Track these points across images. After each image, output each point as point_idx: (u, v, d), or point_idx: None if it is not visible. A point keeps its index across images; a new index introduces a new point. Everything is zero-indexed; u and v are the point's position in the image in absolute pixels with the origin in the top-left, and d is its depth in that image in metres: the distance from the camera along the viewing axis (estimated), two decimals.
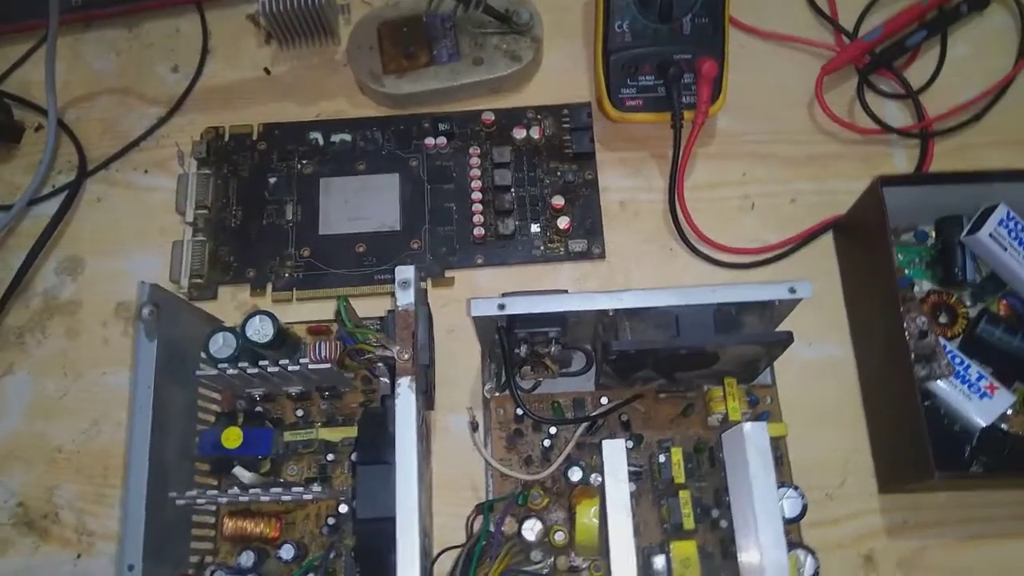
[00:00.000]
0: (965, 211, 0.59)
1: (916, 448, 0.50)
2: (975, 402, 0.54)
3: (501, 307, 0.49)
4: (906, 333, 0.52)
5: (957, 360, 0.56)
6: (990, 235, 0.56)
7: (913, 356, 0.54)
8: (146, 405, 0.49)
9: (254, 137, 0.67)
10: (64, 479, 0.59)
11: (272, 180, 0.66)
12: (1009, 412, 0.54)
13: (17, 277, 0.63)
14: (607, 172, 0.65)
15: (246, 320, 0.54)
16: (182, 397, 0.54)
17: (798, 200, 0.64)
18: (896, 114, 0.66)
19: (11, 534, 0.58)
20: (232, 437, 0.54)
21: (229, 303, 0.63)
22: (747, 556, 0.49)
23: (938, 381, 0.55)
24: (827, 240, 0.63)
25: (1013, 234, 0.56)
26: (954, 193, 0.57)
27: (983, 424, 0.54)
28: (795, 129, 0.66)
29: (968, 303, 0.59)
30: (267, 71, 0.70)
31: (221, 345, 0.54)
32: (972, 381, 0.55)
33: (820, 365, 0.59)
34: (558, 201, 0.63)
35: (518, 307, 0.49)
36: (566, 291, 0.51)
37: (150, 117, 0.69)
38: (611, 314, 0.49)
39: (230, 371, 0.52)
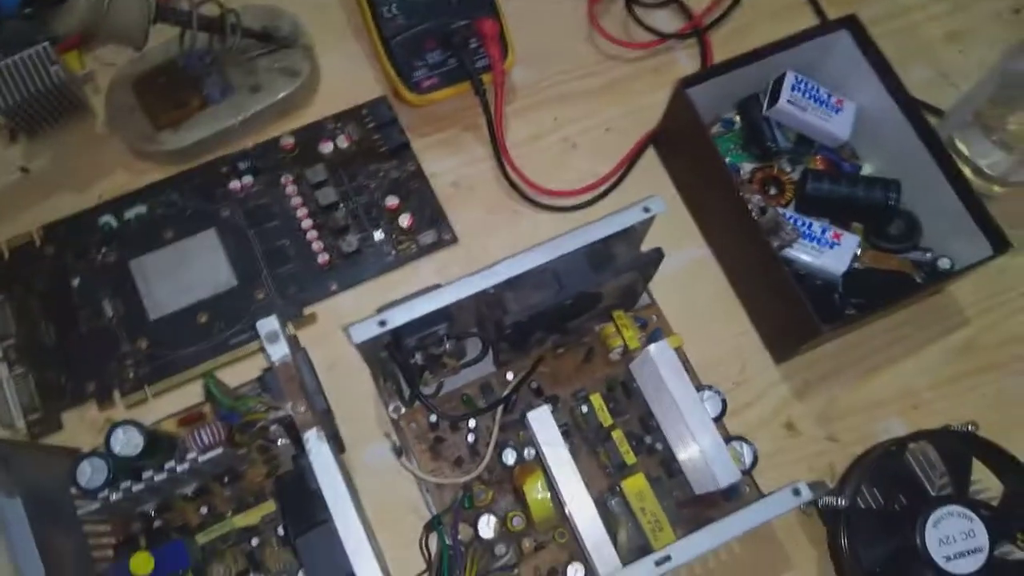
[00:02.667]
0: (758, 89, 0.63)
1: (797, 312, 0.53)
2: (828, 253, 0.58)
3: (383, 323, 0.47)
4: (751, 214, 0.55)
5: (798, 223, 0.59)
6: (788, 101, 0.60)
7: (763, 233, 0.58)
8: (37, 569, 0.42)
9: (38, 244, 0.60)
10: None
11: (75, 282, 0.59)
12: (858, 252, 0.59)
13: None
14: (428, 158, 0.63)
15: (107, 438, 0.49)
16: (69, 544, 0.48)
17: (612, 127, 0.66)
18: (668, 21, 0.70)
19: None
20: (142, 563, 0.48)
21: (79, 426, 0.56)
22: (692, 466, 0.50)
23: (789, 248, 0.59)
24: (651, 156, 0.65)
25: (807, 94, 0.60)
26: (744, 75, 0.61)
27: (841, 270, 0.58)
28: (585, 62, 0.68)
29: (789, 169, 0.63)
30: (24, 170, 0.62)
31: (91, 474, 0.48)
32: (818, 236, 0.59)
33: (686, 271, 0.62)
34: (392, 201, 0.61)
35: (400, 317, 0.47)
36: (438, 285, 0.49)
37: None
38: (492, 291, 0.48)
39: (114, 496, 0.46)
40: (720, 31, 0.69)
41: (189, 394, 0.57)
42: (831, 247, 0.58)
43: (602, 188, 0.64)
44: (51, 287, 0.59)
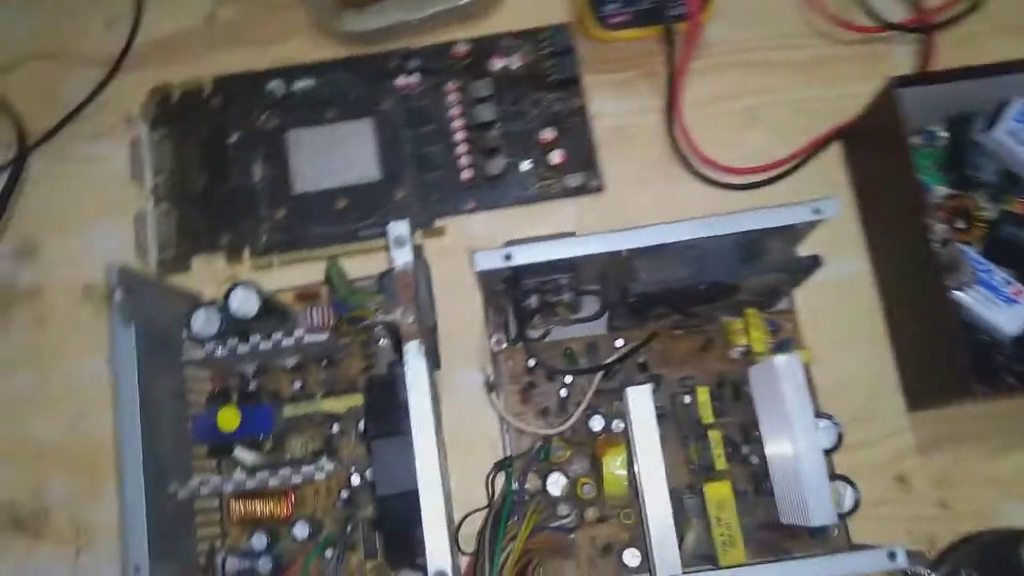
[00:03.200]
0: (977, 108, 0.56)
1: (950, 362, 0.48)
2: (1003, 309, 0.52)
3: (507, 258, 0.45)
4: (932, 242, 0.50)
5: (980, 266, 0.53)
6: (1007, 132, 0.53)
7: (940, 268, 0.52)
8: (132, 398, 0.45)
9: (207, 93, 0.61)
10: (53, 476, 0.55)
11: (233, 138, 0.60)
12: None
13: None
14: (597, 97, 0.60)
15: (227, 294, 0.50)
16: (168, 382, 0.50)
17: (802, 109, 0.60)
18: (892, 9, 0.62)
19: (2, 538, 0.55)
20: (229, 418, 0.50)
21: (205, 274, 0.58)
22: (786, 493, 0.47)
23: (960, 292, 0.53)
24: (834, 149, 0.60)
25: None
26: (966, 89, 0.54)
27: (1012, 332, 0.52)
28: (790, 33, 0.62)
29: (985, 205, 0.56)
30: (212, 16, 0.64)
31: (204, 323, 0.50)
32: (997, 287, 0.53)
33: (837, 283, 0.57)
34: (548, 134, 0.59)
35: (526, 256, 0.45)
36: (573, 233, 0.47)
37: (89, 80, 0.62)
38: (625, 255, 0.45)
39: (219, 352, 0.48)
40: (949, 33, 0.61)
41: (312, 271, 0.57)
42: (1009, 303, 0.52)
43: (773, 172, 0.59)
44: (210, 137, 0.60)
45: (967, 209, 0.56)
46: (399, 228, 0.46)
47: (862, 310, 0.56)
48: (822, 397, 0.53)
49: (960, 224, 0.56)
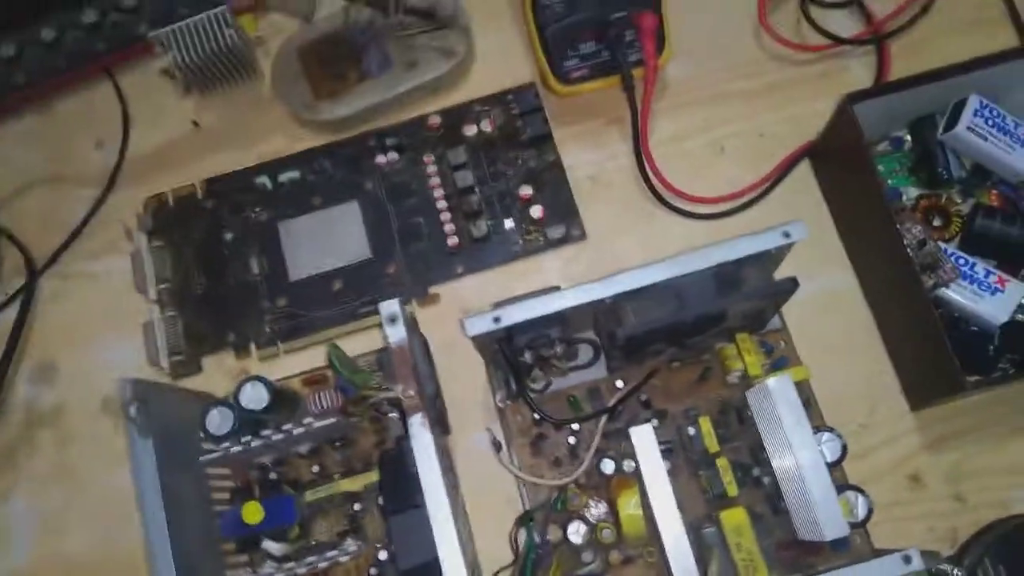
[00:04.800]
0: (936, 109, 0.57)
1: (940, 360, 0.49)
2: (988, 300, 0.53)
3: (496, 320, 0.47)
4: (906, 246, 0.51)
5: (960, 261, 0.54)
6: (968, 128, 0.55)
7: (918, 268, 0.53)
8: (156, 506, 0.46)
9: (199, 196, 0.64)
10: None
11: (228, 236, 0.63)
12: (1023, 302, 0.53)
13: None
14: (568, 150, 0.63)
15: (238, 389, 0.52)
16: (191, 483, 0.52)
17: (766, 133, 0.62)
18: (844, 23, 0.64)
19: None
20: (253, 512, 0.51)
21: (216, 373, 0.60)
22: (799, 511, 0.48)
23: (946, 288, 0.54)
24: (804, 168, 0.61)
25: (990, 122, 0.54)
26: (922, 94, 0.55)
27: (1001, 320, 0.53)
28: (747, 61, 0.64)
29: (959, 201, 0.57)
30: (195, 124, 0.67)
31: (219, 422, 0.52)
32: (980, 279, 0.54)
33: (825, 297, 0.58)
34: (526, 191, 0.61)
35: (514, 316, 0.47)
36: (558, 288, 0.49)
37: (87, 200, 0.65)
38: (609, 301, 0.47)
39: (234, 449, 0.50)
40: (901, 40, 0.63)
41: (318, 355, 0.59)
42: (993, 293, 0.53)
43: (746, 198, 0.61)
44: (206, 238, 0.63)
45: (942, 207, 0.57)
46: (390, 307, 0.48)
47: (853, 320, 0.57)
48: (826, 410, 0.54)
49: (937, 222, 0.57)
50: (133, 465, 0.47)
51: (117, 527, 0.58)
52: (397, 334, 0.47)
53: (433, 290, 0.60)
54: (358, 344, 0.59)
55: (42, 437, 0.60)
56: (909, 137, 0.59)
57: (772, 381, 0.47)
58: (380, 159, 0.63)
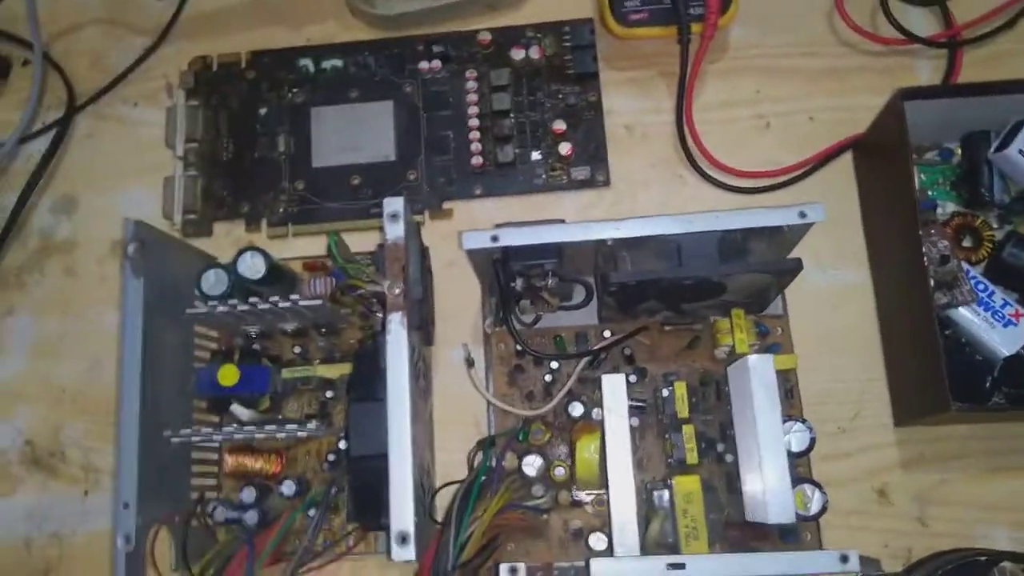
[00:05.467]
0: (994, 126, 0.55)
1: (933, 379, 0.47)
2: (999, 330, 0.51)
3: (494, 239, 0.47)
4: (926, 258, 0.49)
5: (980, 286, 0.52)
6: (1020, 151, 0.52)
7: (934, 283, 0.51)
8: (134, 344, 0.48)
9: (243, 66, 0.64)
10: (70, 417, 0.59)
11: (262, 111, 0.63)
12: None
13: (12, 217, 0.62)
14: (612, 93, 0.61)
15: (237, 256, 0.53)
16: (177, 335, 0.53)
17: (816, 118, 0.60)
18: (922, 22, 0.62)
19: (20, 472, 0.59)
20: (228, 375, 0.53)
21: (224, 239, 0.62)
22: (752, 490, 0.47)
23: (960, 308, 0.52)
24: (846, 161, 0.59)
25: None
26: (982, 106, 0.53)
27: (1006, 353, 0.51)
28: (813, 40, 0.62)
29: (995, 225, 0.55)
30: None
31: (213, 282, 0.53)
32: (996, 308, 0.52)
33: (836, 292, 0.57)
34: (559, 126, 0.60)
35: (512, 239, 0.47)
36: (563, 221, 0.48)
37: (137, 47, 0.66)
38: (609, 243, 0.46)
39: (220, 308, 0.51)
40: (978, 50, 0.60)
41: (322, 244, 0.60)
42: (1005, 324, 0.51)
43: (780, 179, 0.59)
44: (242, 108, 0.63)
45: (975, 228, 0.55)
46: (394, 204, 0.48)
47: (858, 321, 0.56)
48: (809, 404, 0.53)
49: (967, 243, 0.55)
50: (121, 300, 0.48)
51: (103, 363, 0.60)
52: (395, 231, 0.48)
53: (448, 205, 0.60)
54: (364, 241, 0.59)
55: (52, 264, 0.62)
56: (960, 151, 0.57)
57: (753, 358, 0.46)
58: (423, 65, 0.63)
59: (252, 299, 0.51)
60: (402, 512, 0.43)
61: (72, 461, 0.59)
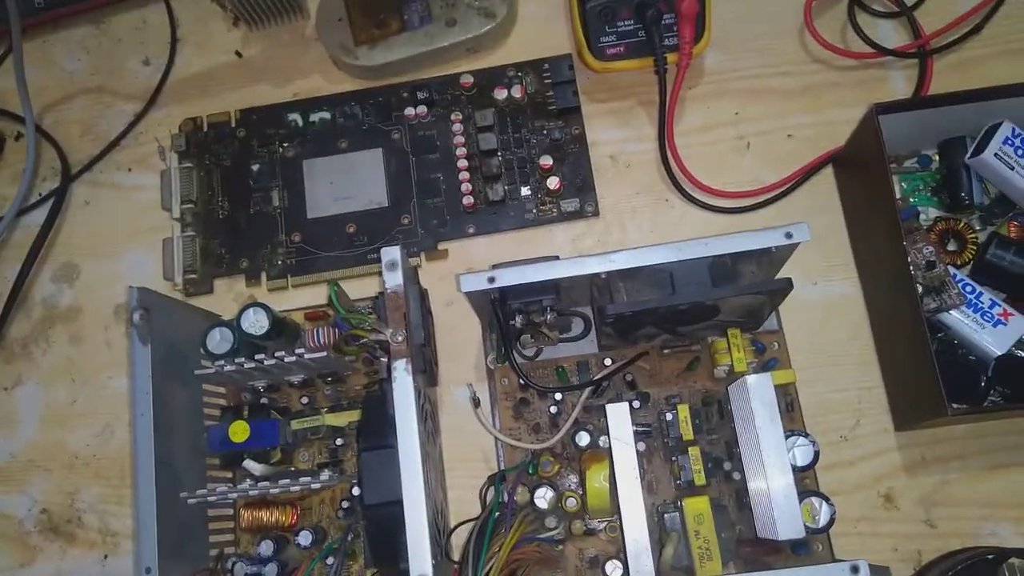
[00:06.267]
0: (969, 131, 0.56)
1: (928, 383, 0.48)
2: (989, 330, 0.52)
3: (491, 280, 0.48)
4: (911, 265, 0.51)
5: (968, 288, 0.54)
6: (995, 155, 0.54)
7: (921, 288, 0.53)
8: (146, 409, 0.49)
9: (232, 124, 0.66)
10: (84, 483, 0.60)
11: (255, 167, 0.64)
12: None
13: (15, 288, 0.63)
14: (595, 125, 0.63)
15: (240, 313, 0.54)
16: (186, 395, 0.54)
17: (795, 135, 0.62)
18: (891, 34, 0.63)
19: (38, 541, 0.59)
20: (239, 431, 0.54)
21: (226, 296, 0.63)
22: (761, 508, 0.48)
23: (950, 312, 0.54)
24: (827, 174, 0.61)
25: (1020, 151, 0.54)
26: (956, 114, 0.54)
27: (998, 352, 0.52)
28: (786, 60, 0.64)
29: (977, 227, 0.56)
30: (239, 54, 0.69)
31: (219, 341, 0.54)
32: (985, 309, 0.53)
33: (828, 304, 0.58)
34: (546, 161, 0.61)
35: (508, 279, 0.48)
36: (557, 257, 0.49)
37: (127, 114, 0.68)
38: (603, 276, 0.48)
39: (228, 367, 0.52)
40: (947, 58, 0.62)
41: (322, 293, 0.61)
42: (995, 324, 0.52)
43: (763, 197, 0.60)
44: (234, 166, 0.65)
45: (958, 232, 0.56)
46: (391, 253, 0.49)
47: (852, 332, 0.57)
48: (810, 417, 0.54)
49: (952, 246, 0.56)
50: (131, 368, 0.49)
51: (114, 427, 0.61)
52: (394, 280, 0.49)
53: (443, 246, 0.61)
54: (364, 288, 0.60)
55: (57, 333, 0.63)
56: (937, 157, 0.58)
57: (751, 378, 0.47)
58: (409, 111, 0.64)
59: (258, 355, 0.52)
60: (420, 555, 0.44)
61: (89, 526, 0.59)
